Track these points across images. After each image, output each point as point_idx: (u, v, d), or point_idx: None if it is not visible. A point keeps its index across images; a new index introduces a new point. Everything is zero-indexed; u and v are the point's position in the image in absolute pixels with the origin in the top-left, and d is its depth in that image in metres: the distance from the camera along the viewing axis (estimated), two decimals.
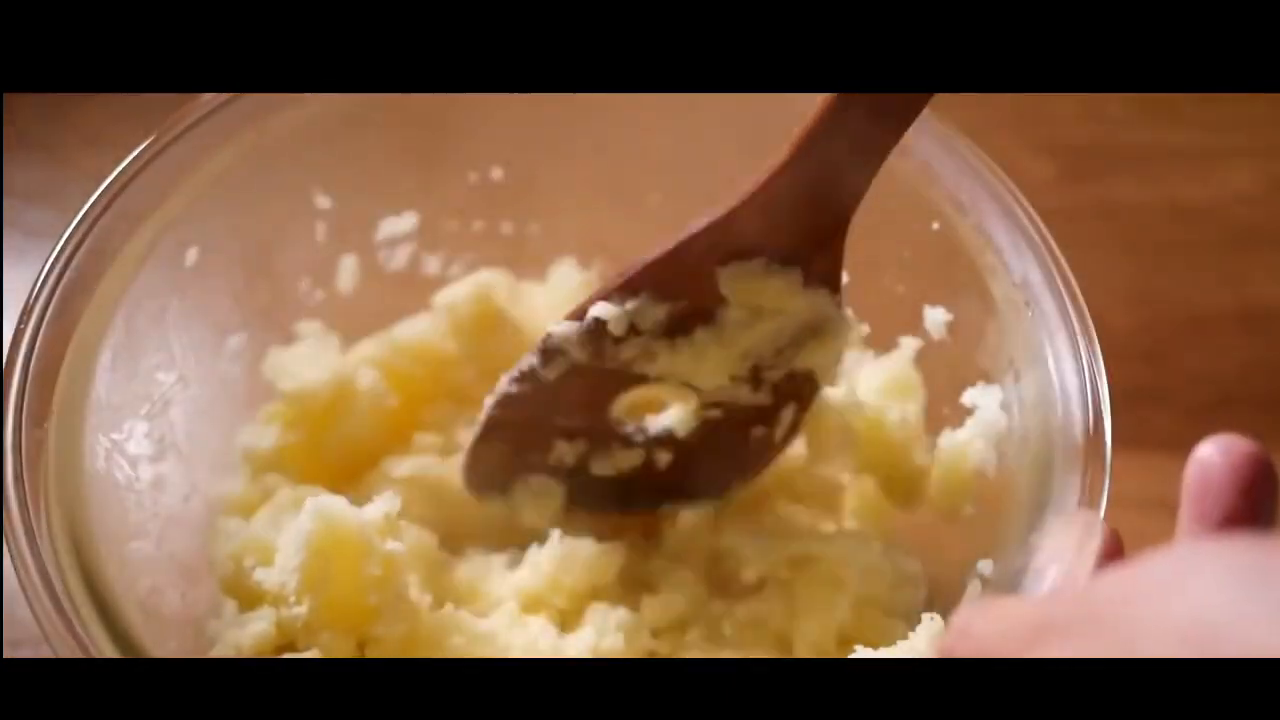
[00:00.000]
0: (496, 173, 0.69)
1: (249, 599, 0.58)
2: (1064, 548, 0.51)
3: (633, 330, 0.57)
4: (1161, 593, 0.34)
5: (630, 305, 0.57)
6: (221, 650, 0.56)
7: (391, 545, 0.56)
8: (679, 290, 0.57)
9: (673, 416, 0.61)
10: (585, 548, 0.61)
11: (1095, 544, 0.48)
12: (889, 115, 0.52)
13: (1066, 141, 0.90)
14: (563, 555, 0.61)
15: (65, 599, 0.51)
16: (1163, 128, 0.90)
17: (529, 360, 0.59)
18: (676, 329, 0.58)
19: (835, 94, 0.51)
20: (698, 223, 0.56)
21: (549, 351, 0.59)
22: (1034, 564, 0.52)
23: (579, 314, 0.58)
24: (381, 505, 0.57)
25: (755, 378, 0.59)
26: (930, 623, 0.55)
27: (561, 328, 0.58)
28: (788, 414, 0.61)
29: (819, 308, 0.57)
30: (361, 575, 0.55)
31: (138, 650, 0.51)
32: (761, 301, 0.57)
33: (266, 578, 0.57)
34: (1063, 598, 0.43)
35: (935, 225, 0.61)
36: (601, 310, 0.57)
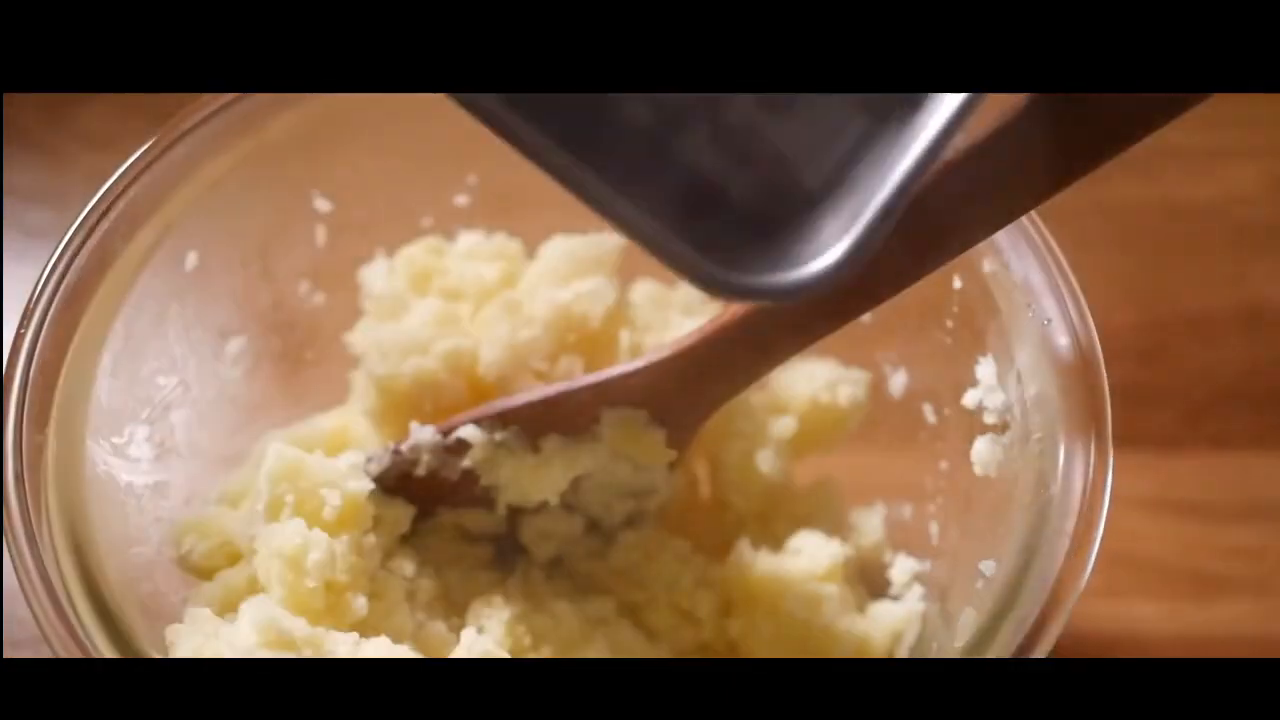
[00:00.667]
0: (496, 174, 0.69)
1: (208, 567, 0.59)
2: None
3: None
4: None
5: (499, 436, 0.60)
6: (193, 610, 0.56)
7: (354, 484, 0.57)
8: (552, 427, 0.60)
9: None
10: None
11: None
12: (771, 351, 0.57)
13: None
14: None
15: (65, 600, 0.51)
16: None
17: (396, 446, 0.61)
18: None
19: (738, 315, 0.55)
20: (592, 375, 0.60)
21: (413, 448, 0.61)
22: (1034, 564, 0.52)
23: (447, 429, 0.60)
24: (350, 457, 0.59)
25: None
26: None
27: (425, 435, 0.60)
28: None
29: (658, 471, 0.62)
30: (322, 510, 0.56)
31: (137, 652, 0.51)
32: (630, 448, 0.60)
33: (232, 523, 0.58)
34: None
35: None
36: (469, 433, 0.60)
